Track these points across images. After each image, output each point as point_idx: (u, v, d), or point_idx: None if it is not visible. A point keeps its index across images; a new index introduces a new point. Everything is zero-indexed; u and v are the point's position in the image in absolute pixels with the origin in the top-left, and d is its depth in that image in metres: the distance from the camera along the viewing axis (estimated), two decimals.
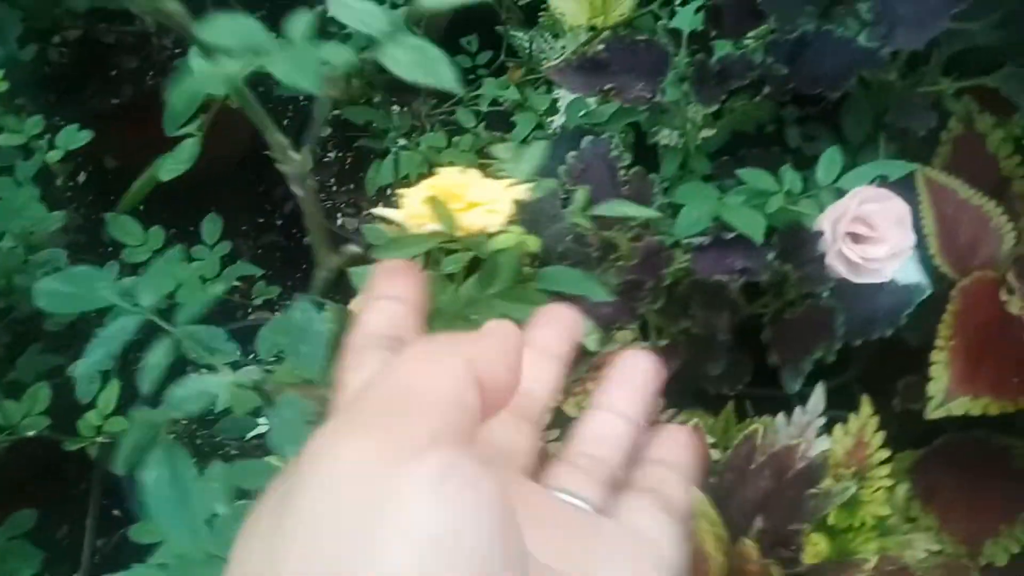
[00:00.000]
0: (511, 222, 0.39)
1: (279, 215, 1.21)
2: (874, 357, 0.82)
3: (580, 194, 0.56)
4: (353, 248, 0.33)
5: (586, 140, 0.65)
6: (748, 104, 0.89)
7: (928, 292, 0.65)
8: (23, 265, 0.67)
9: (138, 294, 0.35)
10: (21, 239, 0.64)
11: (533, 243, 0.55)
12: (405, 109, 1.06)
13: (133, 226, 0.71)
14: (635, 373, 0.32)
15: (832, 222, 0.53)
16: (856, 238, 0.54)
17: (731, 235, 0.57)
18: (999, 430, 0.68)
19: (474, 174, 0.38)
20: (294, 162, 0.29)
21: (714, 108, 0.63)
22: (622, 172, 0.62)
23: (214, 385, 0.31)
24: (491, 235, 0.37)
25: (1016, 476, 0.63)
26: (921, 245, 0.68)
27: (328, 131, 1.12)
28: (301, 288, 0.46)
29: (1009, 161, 0.75)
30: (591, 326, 0.54)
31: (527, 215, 0.67)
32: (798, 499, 0.40)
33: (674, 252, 0.57)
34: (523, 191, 0.37)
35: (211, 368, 0.33)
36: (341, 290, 0.40)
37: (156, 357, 0.32)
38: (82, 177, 1.09)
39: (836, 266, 0.54)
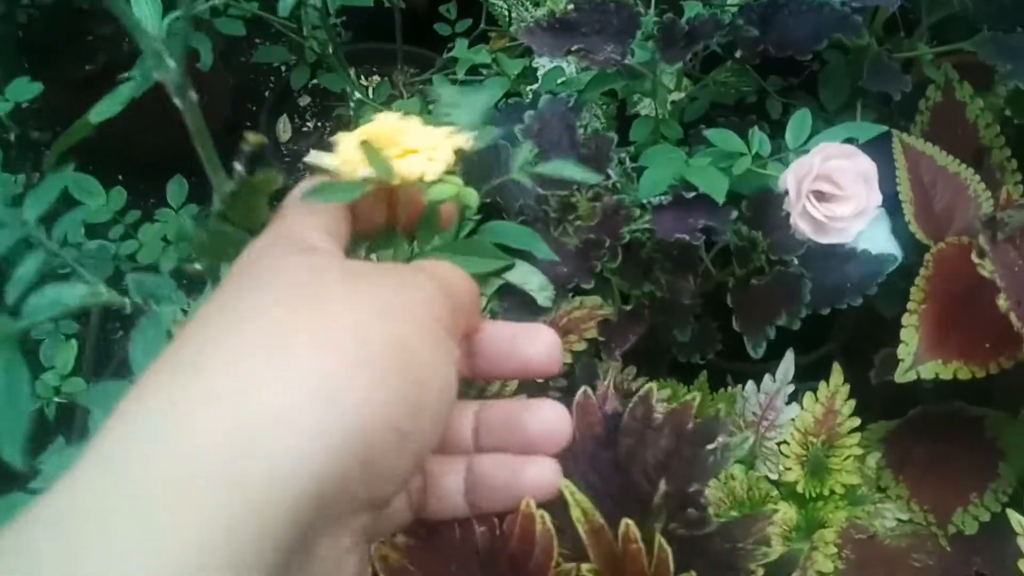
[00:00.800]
0: (451, 172, 0.37)
1: None
2: (854, 330, 0.81)
3: (523, 148, 0.55)
4: (240, 169, 0.31)
5: (544, 99, 0.64)
6: (728, 75, 0.87)
7: (899, 262, 0.63)
8: None
9: (25, 208, 0.33)
10: None
11: (471, 196, 0.54)
12: (384, 79, 1.04)
13: (93, 185, 0.69)
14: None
15: (796, 180, 0.52)
16: (821, 196, 0.52)
17: (692, 194, 0.55)
18: (975, 401, 0.67)
19: (415, 121, 0.37)
20: (169, 69, 0.27)
21: (677, 66, 0.61)
22: (581, 132, 0.61)
23: (68, 295, 0.30)
24: (429, 184, 0.36)
25: (987, 445, 0.62)
26: (895, 214, 0.67)
27: (307, 100, 1.11)
28: None
29: (988, 131, 0.73)
30: (544, 282, 0.52)
31: (472, 167, 0.66)
32: (696, 457, 0.39)
33: (634, 211, 0.56)
34: (465, 140, 0.35)
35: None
36: None
37: (26, 269, 0.31)
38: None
39: (801, 226, 0.52)
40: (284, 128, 1.10)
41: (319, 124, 1.11)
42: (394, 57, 1.05)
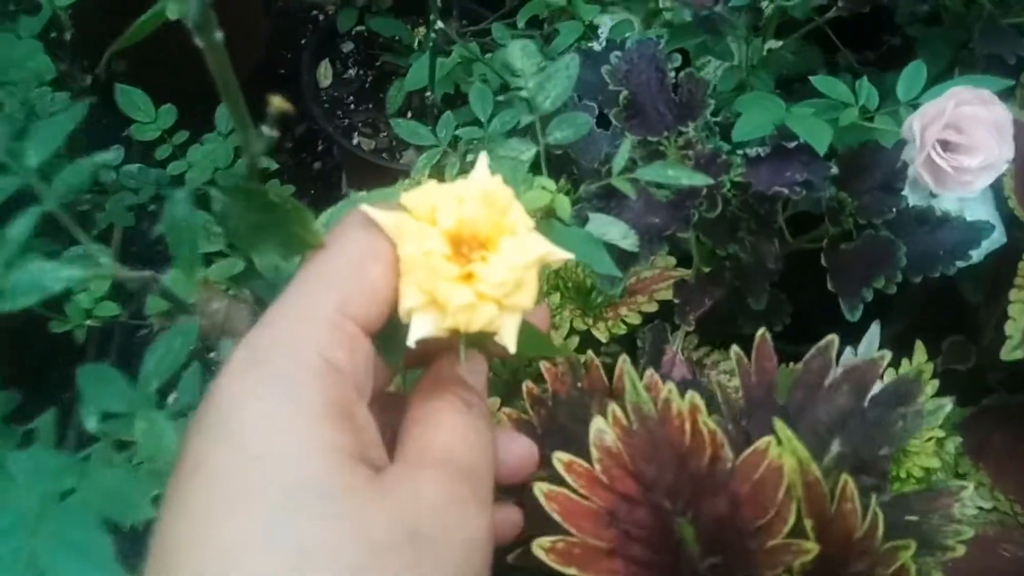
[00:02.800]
0: None
1: (288, 137, 1.15)
2: (919, 315, 0.78)
3: (622, 149, 0.50)
4: (281, 102, 0.26)
5: (631, 39, 0.60)
6: (799, 45, 0.84)
7: (995, 231, 0.60)
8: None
9: (24, 152, 0.29)
10: (21, 101, 0.59)
11: (564, 206, 0.49)
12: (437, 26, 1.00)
13: (143, 99, 0.65)
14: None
15: (921, 126, 0.48)
16: (946, 146, 0.49)
17: (792, 144, 0.52)
18: None
19: (506, 202, 0.27)
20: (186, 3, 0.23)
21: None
22: (672, 74, 0.57)
23: (51, 277, 0.26)
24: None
25: None
26: (996, 189, 0.63)
27: (351, 46, 1.07)
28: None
29: None
30: (625, 230, 0.49)
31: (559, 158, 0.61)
32: (884, 419, 0.35)
33: (734, 159, 0.52)
34: (560, 258, 0.27)
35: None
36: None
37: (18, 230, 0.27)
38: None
39: (924, 176, 0.49)
40: (325, 73, 1.06)
41: (361, 72, 1.07)
42: (447, 9, 1.01)
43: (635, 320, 0.63)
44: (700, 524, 0.31)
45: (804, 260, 0.65)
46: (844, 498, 0.30)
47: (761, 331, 0.36)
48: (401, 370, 0.30)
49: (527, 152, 0.46)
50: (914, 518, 0.33)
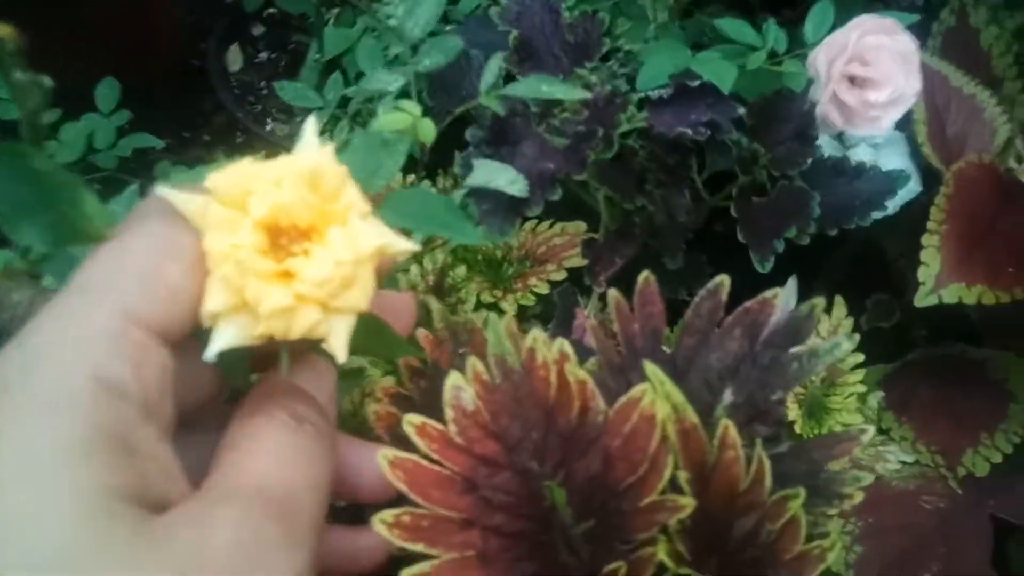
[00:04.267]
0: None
1: (207, 129, 1.09)
2: (846, 272, 0.76)
3: (490, 65, 0.47)
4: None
5: None
6: (717, 13, 0.81)
7: (910, 181, 0.58)
8: None
9: None
10: None
11: (428, 130, 0.46)
12: (348, 4, 0.95)
13: None
14: None
15: (828, 61, 0.45)
16: (853, 81, 0.46)
17: (695, 83, 0.49)
18: (971, 344, 0.63)
19: (337, 181, 0.23)
20: None
21: None
22: (566, 15, 0.53)
23: None
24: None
25: (994, 386, 0.58)
26: (910, 138, 0.61)
27: (262, 29, 1.01)
28: None
29: (1002, 59, 0.69)
30: (513, 175, 0.45)
31: (435, 87, 0.58)
32: (777, 362, 0.32)
33: (631, 99, 0.49)
34: (405, 246, 0.23)
35: None
36: None
37: None
38: None
39: (831, 115, 0.46)
40: (234, 58, 1.01)
41: (272, 56, 1.01)
42: None
43: (544, 290, 0.60)
44: (572, 486, 0.28)
45: (727, 220, 0.62)
46: (725, 446, 0.27)
47: (644, 274, 0.33)
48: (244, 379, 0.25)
49: (395, 82, 0.43)
50: (812, 467, 0.30)
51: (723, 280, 0.35)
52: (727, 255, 0.67)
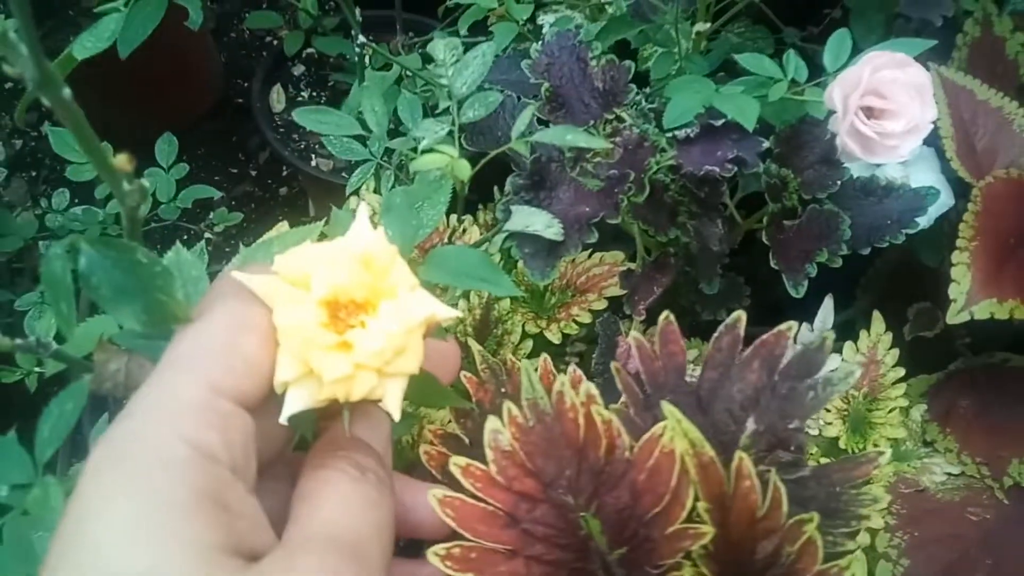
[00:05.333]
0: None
1: (253, 165, 1.15)
2: (885, 285, 0.77)
3: (523, 115, 0.50)
4: (124, 161, 0.25)
5: (550, 31, 0.59)
6: (742, 28, 0.83)
7: (947, 203, 0.59)
8: None
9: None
10: None
11: (463, 169, 0.49)
12: (381, 44, 1.00)
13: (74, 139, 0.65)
14: None
15: (844, 95, 0.47)
16: (870, 113, 0.48)
17: (720, 122, 0.51)
18: (1015, 352, 0.63)
19: (389, 263, 0.26)
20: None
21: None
22: (593, 64, 0.56)
23: None
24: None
25: None
26: (940, 151, 0.62)
27: (301, 69, 1.07)
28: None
29: None
30: (548, 219, 0.48)
31: (471, 133, 0.61)
32: (794, 392, 0.34)
33: (659, 141, 0.52)
34: (448, 313, 0.26)
35: None
36: None
37: None
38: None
39: (849, 145, 0.48)
40: (278, 98, 1.06)
41: (314, 94, 1.07)
42: (392, 25, 1.01)
43: (586, 319, 0.62)
44: (604, 517, 0.30)
45: (759, 242, 0.64)
46: (741, 477, 0.29)
47: (664, 314, 0.36)
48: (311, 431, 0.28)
49: (441, 131, 0.46)
50: (833, 489, 0.32)
51: (739, 315, 0.38)
52: (764, 274, 0.69)
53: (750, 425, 0.35)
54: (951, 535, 0.51)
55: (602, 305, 0.61)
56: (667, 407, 0.29)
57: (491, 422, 0.30)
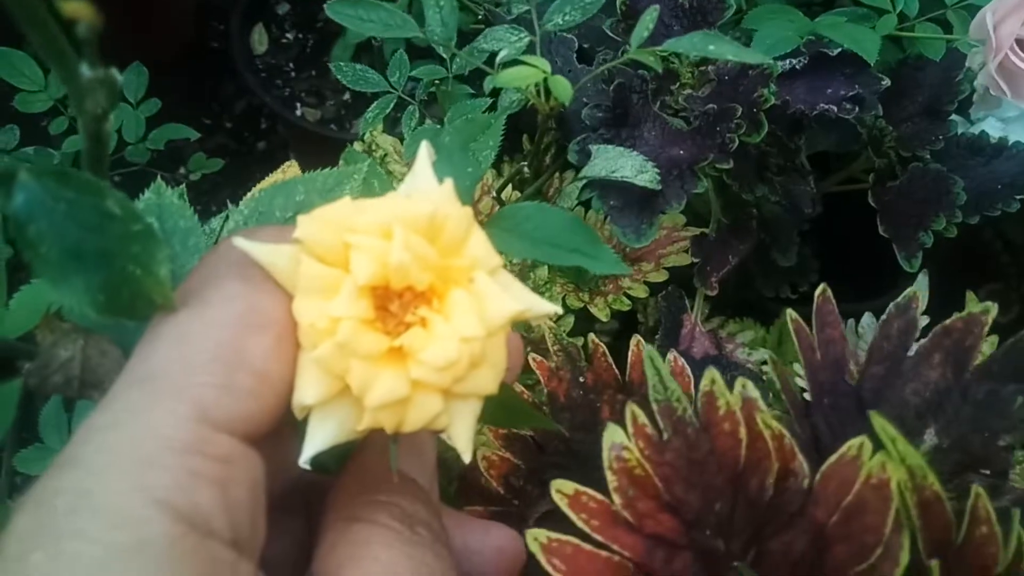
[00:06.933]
0: None
1: (228, 116, 1.04)
2: (946, 264, 0.69)
3: (645, 18, 0.39)
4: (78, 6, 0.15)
5: None
6: None
7: None
8: None
9: None
10: None
11: (564, 89, 0.38)
12: None
13: (28, 65, 0.54)
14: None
15: (995, 21, 0.38)
16: None
17: (836, 51, 0.42)
18: None
19: (466, 232, 0.17)
20: None
21: None
22: None
23: None
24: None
25: None
26: None
27: (286, 7, 0.96)
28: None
29: None
30: (639, 163, 0.39)
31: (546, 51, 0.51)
32: (995, 397, 0.26)
33: (773, 71, 0.42)
34: (548, 310, 0.18)
35: None
36: None
37: None
38: None
39: (999, 83, 0.39)
40: (259, 39, 0.95)
41: (300, 35, 0.95)
42: None
43: (641, 292, 0.53)
44: (767, 570, 0.21)
45: (825, 207, 0.55)
46: (977, 520, 0.20)
47: (821, 288, 0.27)
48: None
49: (520, 41, 0.36)
50: None
51: (915, 294, 0.29)
52: (831, 249, 0.61)
53: (930, 438, 0.26)
54: None
55: (662, 277, 0.52)
56: (878, 421, 0.20)
57: (613, 433, 0.21)
